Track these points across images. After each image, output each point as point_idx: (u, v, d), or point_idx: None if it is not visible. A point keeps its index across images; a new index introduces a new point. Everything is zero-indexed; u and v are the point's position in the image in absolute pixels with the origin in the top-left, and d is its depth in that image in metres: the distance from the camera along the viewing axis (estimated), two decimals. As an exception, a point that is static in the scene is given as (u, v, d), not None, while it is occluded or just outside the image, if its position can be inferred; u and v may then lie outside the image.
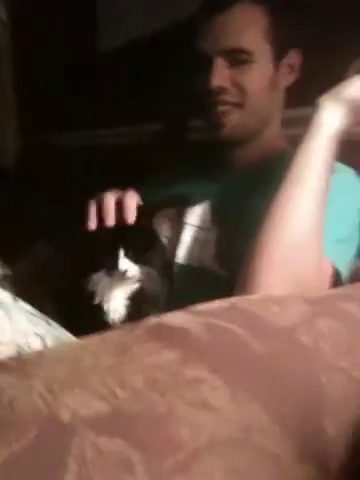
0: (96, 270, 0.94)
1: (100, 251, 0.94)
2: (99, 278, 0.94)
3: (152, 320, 0.59)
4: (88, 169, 1.96)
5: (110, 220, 0.95)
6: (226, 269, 1.03)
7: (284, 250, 0.81)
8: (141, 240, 0.99)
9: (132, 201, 0.97)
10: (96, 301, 0.94)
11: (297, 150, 0.86)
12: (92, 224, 0.95)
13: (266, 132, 1.16)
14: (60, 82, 2.35)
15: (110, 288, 0.93)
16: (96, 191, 1.05)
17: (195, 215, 1.15)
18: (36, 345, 0.71)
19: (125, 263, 0.92)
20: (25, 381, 0.47)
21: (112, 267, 0.92)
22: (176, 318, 0.59)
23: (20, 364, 0.50)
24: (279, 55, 1.11)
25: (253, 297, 0.71)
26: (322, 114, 0.84)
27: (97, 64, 2.13)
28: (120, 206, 0.96)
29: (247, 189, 1.08)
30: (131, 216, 0.95)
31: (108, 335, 0.56)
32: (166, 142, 1.71)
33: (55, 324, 0.79)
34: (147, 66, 1.86)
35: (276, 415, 0.46)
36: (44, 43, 2.38)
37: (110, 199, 0.97)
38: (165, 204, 1.15)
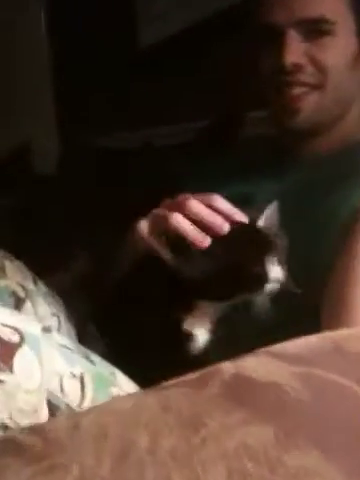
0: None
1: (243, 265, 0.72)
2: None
3: (226, 369, 0.43)
4: (134, 172, 1.83)
5: (222, 227, 0.71)
6: (301, 286, 0.86)
7: None
8: (269, 239, 0.77)
9: (223, 201, 0.75)
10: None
11: None
12: (204, 240, 0.71)
13: (346, 118, 0.97)
14: (102, 82, 2.24)
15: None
16: (145, 196, 0.87)
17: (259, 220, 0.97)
18: (73, 388, 0.57)
19: (276, 270, 0.73)
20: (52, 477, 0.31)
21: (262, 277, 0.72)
22: (260, 366, 0.43)
23: (46, 447, 0.34)
24: None
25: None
26: None
27: (140, 59, 2.00)
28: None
29: (323, 186, 0.90)
30: (241, 216, 0.75)
31: (170, 395, 0.40)
32: (216, 139, 1.56)
33: (97, 358, 0.64)
34: (196, 55, 1.71)
35: None
36: (83, 44, 2.29)
37: (198, 204, 0.73)
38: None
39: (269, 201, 0.98)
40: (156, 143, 1.87)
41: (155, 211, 0.78)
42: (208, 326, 0.80)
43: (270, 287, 0.72)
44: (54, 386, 0.55)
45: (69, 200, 1.98)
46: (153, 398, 0.40)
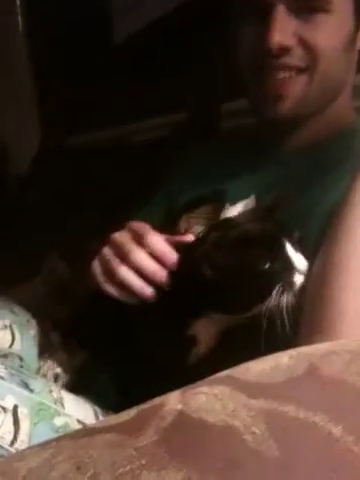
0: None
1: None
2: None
3: (171, 406, 0.33)
4: (112, 170, 1.75)
5: (161, 277, 0.70)
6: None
7: None
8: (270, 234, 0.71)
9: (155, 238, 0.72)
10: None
11: None
12: (146, 292, 0.71)
13: (336, 102, 0.86)
14: (77, 78, 2.16)
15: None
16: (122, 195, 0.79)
17: (237, 214, 0.87)
18: (3, 425, 0.47)
19: (298, 257, 0.67)
20: None
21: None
22: (214, 401, 0.33)
23: None
24: None
25: (330, 347, 0.44)
26: None
27: (113, 53, 1.92)
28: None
29: (307, 177, 0.80)
30: (171, 254, 0.72)
31: (92, 444, 0.30)
32: (194, 132, 1.46)
33: (39, 384, 0.54)
34: (170, 44, 1.61)
35: None
36: (59, 41, 2.22)
37: (139, 253, 0.71)
38: (196, 203, 0.89)
39: (247, 195, 0.90)
40: (132, 139, 1.78)
41: (104, 254, 0.74)
42: (215, 331, 0.73)
43: (298, 278, 0.66)
44: None
45: (44, 202, 1.89)
46: (70, 450, 0.30)
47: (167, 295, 0.72)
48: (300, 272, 0.67)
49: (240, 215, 0.84)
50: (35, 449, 0.32)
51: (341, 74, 0.84)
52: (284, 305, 0.64)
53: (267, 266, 0.66)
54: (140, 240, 0.71)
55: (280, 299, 0.64)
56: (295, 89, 0.80)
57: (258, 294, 0.65)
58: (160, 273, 0.70)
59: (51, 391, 0.57)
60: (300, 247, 0.69)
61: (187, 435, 0.30)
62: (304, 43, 0.78)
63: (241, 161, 0.96)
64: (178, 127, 1.52)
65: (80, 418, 0.58)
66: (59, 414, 0.54)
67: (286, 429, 0.31)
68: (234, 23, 0.87)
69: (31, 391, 0.53)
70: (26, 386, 0.53)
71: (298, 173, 0.85)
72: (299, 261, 0.67)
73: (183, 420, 0.32)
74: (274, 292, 0.65)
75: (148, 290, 0.70)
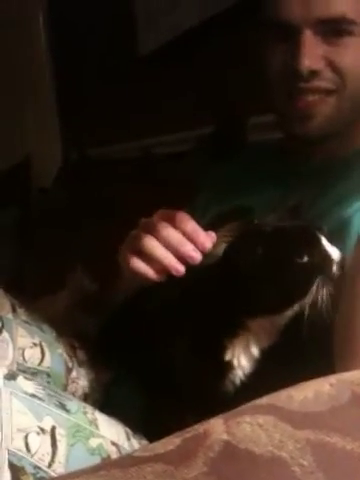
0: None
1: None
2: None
3: (216, 435, 0.34)
4: (136, 183, 1.75)
5: (194, 257, 0.68)
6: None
7: None
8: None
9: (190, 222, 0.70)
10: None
11: None
12: (178, 268, 0.68)
13: (358, 122, 0.87)
14: (101, 92, 2.18)
15: None
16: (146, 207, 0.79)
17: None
18: (41, 446, 0.48)
19: (333, 249, 0.67)
20: None
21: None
22: (259, 431, 0.34)
23: None
24: None
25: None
26: None
27: (139, 67, 1.93)
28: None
29: (336, 195, 0.81)
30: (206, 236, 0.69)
31: (140, 475, 0.31)
32: (217, 146, 1.47)
33: (75, 404, 0.55)
34: (198, 57, 1.62)
35: None
36: (82, 54, 2.26)
37: (171, 231, 0.69)
38: (220, 221, 0.90)
39: (275, 211, 0.90)
40: (157, 152, 1.79)
41: (132, 234, 0.72)
42: (253, 356, 0.71)
43: (335, 270, 0.66)
44: (17, 445, 0.46)
45: (67, 215, 1.90)
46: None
47: (203, 304, 0.71)
48: (338, 264, 0.66)
49: (266, 217, 0.84)
50: (85, 476, 0.33)
51: None
52: (323, 300, 0.63)
53: (306, 260, 0.66)
54: (171, 221, 0.69)
55: (319, 293, 0.64)
56: (324, 109, 0.81)
57: (298, 289, 0.65)
58: (193, 252, 0.68)
59: (86, 412, 0.57)
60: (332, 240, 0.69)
61: (235, 466, 0.31)
62: (332, 66, 0.80)
63: (267, 176, 0.97)
64: (203, 141, 1.53)
65: (114, 440, 0.58)
66: (94, 435, 0.55)
67: (333, 460, 0.31)
68: (263, 42, 0.88)
69: (68, 412, 0.54)
70: (63, 407, 0.53)
71: (324, 187, 0.85)
72: (335, 253, 0.67)
73: (230, 450, 0.32)
74: (314, 286, 0.64)
75: (179, 265, 0.67)
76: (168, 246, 0.68)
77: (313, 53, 0.78)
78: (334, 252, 0.67)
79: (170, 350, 0.73)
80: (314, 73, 0.79)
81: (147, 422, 0.76)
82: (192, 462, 0.31)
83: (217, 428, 0.35)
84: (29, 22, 2.53)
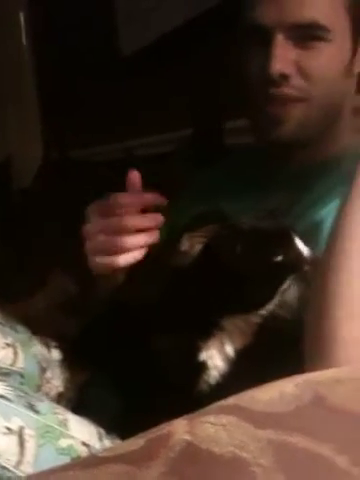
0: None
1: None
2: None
3: (179, 436, 0.34)
4: (115, 184, 1.74)
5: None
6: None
7: None
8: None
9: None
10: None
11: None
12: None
13: (337, 126, 0.88)
14: (83, 92, 2.17)
15: None
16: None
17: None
18: (8, 446, 0.47)
19: (307, 249, 0.69)
20: None
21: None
22: (221, 432, 0.34)
23: None
24: (359, 31, 0.83)
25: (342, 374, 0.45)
26: None
27: (121, 70, 1.93)
28: None
29: (310, 197, 0.82)
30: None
31: (99, 476, 0.31)
32: (198, 149, 1.47)
33: (45, 406, 0.54)
34: (178, 61, 1.62)
35: None
36: (63, 54, 2.26)
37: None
38: (198, 223, 0.90)
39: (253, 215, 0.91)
40: (139, 153, 1.79)
41: (94, 243, 0.75)
42: (228, 356, 0.72)
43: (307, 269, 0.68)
44: None
45: (46, 216, 1.89)
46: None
47: (178, 304, 0.71)
48: (311, 263, 0.68)
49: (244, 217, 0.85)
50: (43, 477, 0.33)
51: (340, 99, 0.86)
52: (295, 298, 0.66)
53: (280, 258, 0.67)
54: (111, 211, 0.72)
55: (291, 292, 0.66)
56: (295, 114, 0.83)
57: (272, 287, 0.67)
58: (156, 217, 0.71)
59: (56, 413, 0.57)
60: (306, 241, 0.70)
61: (196, 466, 0.31)
62: (303, 71, 0.80)
63: (248, 180, 0.98)
64: (183, 143, 1.53)
65: (84, 440, 0.58)
66: (64, 436, 0.55)
67: (294, 461, 0.31)
68: (238, 46, 0.89)
69: (37, 413, 0.53)
70: (32, 408, 0.53)
71: (299, 192, 0.86)
72: (308, 253, 0.68)
73: (191, 451, 0.32)
74: (287, 284, 0.66)
75: (155, 233, 0.71)
76: (132, 230, 0.71)
77: (284, 57, 0.79)
78: (307, 251, 0.68)
79: (146, 350, 0.74)
80: (285, 77, 0.80)
81: (122, 422, 0.76)
82: (153, 463, 0.31)
83: (180, 428, 0.35)
84: (10, 20, 2.52)
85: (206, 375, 0.72)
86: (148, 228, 0.71)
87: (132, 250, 0.70)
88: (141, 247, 0.70)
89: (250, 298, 0.68)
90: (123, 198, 0.71)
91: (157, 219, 0.70)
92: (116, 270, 0.72)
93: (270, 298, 0.67)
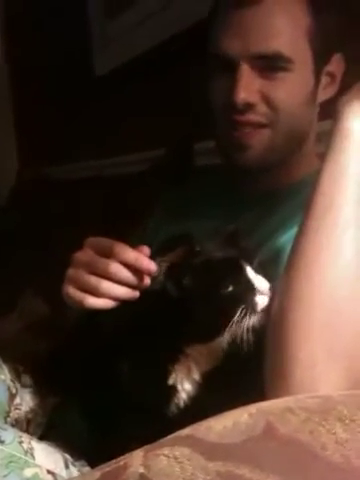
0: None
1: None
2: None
3: (134, 469, 0.35)
4: (86, 203, 1.76)
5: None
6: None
7: (321, 319, 0.58)
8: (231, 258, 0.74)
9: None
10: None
11: (320, 173, 0.63)
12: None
13: (301, 153, 0.91)
14: (57, 111, 2.19)
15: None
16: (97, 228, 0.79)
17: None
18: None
19: (259, 280, 0.70)
20: None
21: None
22: (173, 464, 0.35)
23: None
24: (321, 62, 0.86)
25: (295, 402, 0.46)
26: (347, 120, 0.62)
27: (94, 90, 1.95)
28: None
29: (271, 222, 0.84)
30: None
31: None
32: (167, 169, 1.49)
33: (10, 434, 0.55)
34: (149, 84, 1.65)
35: None
36: (39, 73, 2.28)
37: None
38: (167, 247, 0.92)
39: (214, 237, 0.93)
40: (111, 172, 1.81)
41: (74, 275, 0.72)
42: (195, 380, 0.74)
43: (261, 300, 0.69)
44: None
45: (21, 234, 1.89)
46: None
47: (147, 330, 0.72)
48: (262, 293, 0.69)
49: (204, 244, 0.87)
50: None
51: (304, 126, 0.88)
52: (248, 327, 0.67)
53: (230, 289, 0.69)
54: (107, 253, 0.69)
55: (244, 321, 0.67)
56: (259, 140, 0.85)
57: (225, 317, 0.67)
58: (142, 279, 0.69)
59: (21, 442, 0.57)
60: (261, 271, 0.72)
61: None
62: (267, 100, 0.83)
63: (214, 201, 1.00)
64: (157, 163, 1.55)
65: (50, 468, 0.58)
66: (29, 465, 0.55)
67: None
68: (207, 72, 0.91)
69: (2, 443, 0.54)
70: (-4, 437, 0.54)
71: (263, 215, 0.88)
72: (260, 283, 0.70)
73: (143, 484, 0.33)
74: (237, 314, 0.67)
75: (135, 292, 0.69)
76: (119, 281, 0.69)
77: (249, 86, 0.82)
78: (260, 282, 0.70)
79: (116, 374, 0.75)
80: (249, 106, 0.82)
81: (92, 447, 0.77)
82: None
83: (136, 461, 0.36)
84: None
85: (176, 398, 0.73)
86: (130, 285, 0.69)
87: (105, 296, 0.68)
88: (114, 299, 0.69)
89: (204, 328, 0.69)
90: (123, 249, 0.69)
91: (142, 283, 0.69)
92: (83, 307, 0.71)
93: (223, 328, 0.67)
